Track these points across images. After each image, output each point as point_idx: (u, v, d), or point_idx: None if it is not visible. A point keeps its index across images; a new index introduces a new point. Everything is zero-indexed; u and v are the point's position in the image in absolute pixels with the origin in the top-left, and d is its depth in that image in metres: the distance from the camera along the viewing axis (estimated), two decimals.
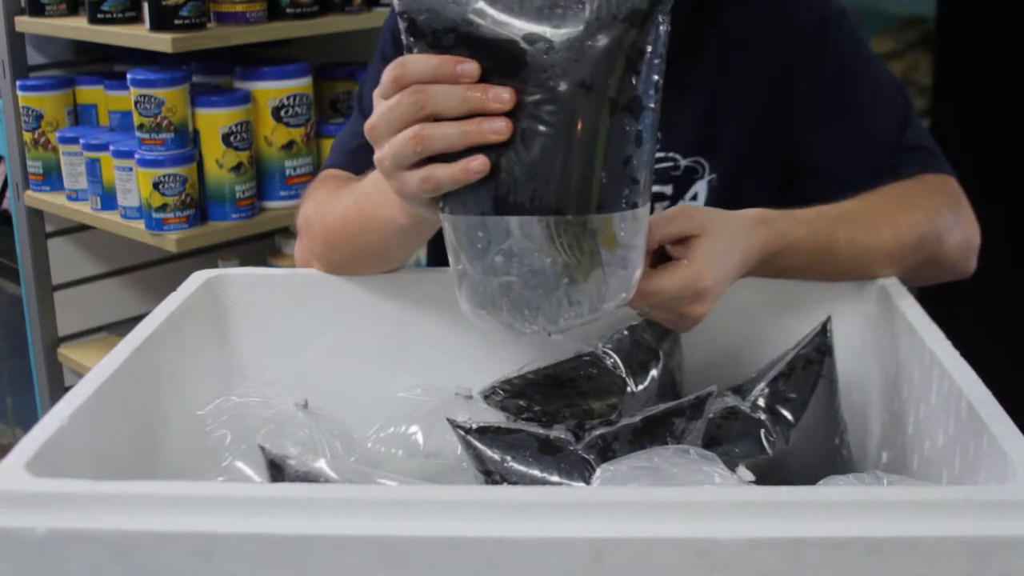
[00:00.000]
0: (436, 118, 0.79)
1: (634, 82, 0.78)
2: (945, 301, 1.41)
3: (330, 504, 0.66)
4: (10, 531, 0.66)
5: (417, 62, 0.79)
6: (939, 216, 1.09)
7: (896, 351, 0.96)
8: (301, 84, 2.12)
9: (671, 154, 1.16)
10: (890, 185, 1.10)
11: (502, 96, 0.77)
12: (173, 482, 0.72)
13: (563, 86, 0.76)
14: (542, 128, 0.77)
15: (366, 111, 1.19)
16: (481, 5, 0.78)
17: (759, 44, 1.15)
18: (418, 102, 0.79)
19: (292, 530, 0.65)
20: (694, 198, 1.17)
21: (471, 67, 0.78)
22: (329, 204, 1.09)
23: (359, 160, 1.16)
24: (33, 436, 0.75)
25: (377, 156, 0.84)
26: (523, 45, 0.77)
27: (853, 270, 1.03)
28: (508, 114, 0.77)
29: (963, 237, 1.12)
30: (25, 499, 0.67)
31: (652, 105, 0.79)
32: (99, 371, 0.85)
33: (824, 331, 0.95)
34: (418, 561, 0.65)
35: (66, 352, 2.33)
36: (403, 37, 0.81)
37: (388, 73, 0.81)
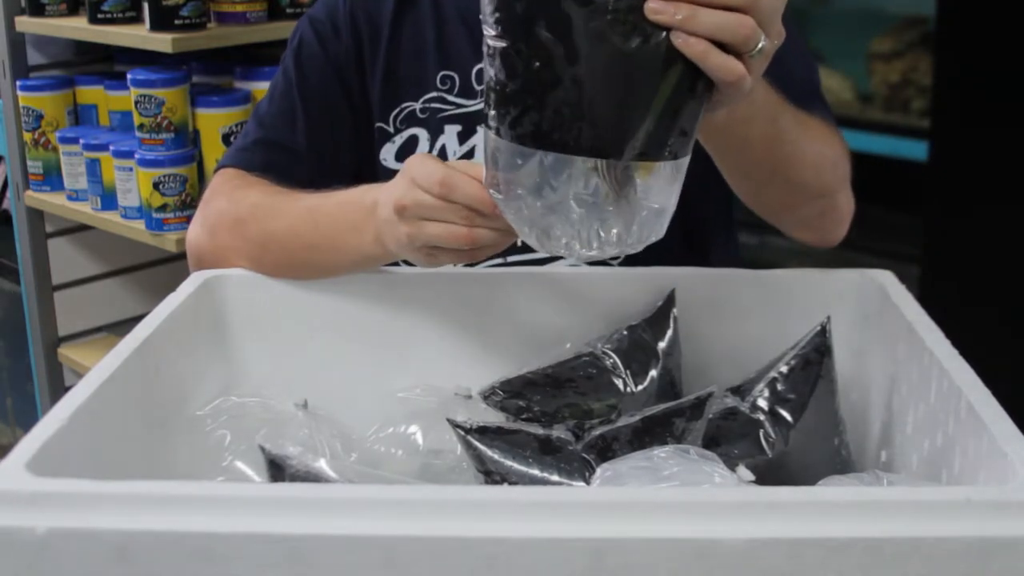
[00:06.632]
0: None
1: None
2: (945, 301, 1.41)
3: (330, 504, 0.66)
4: (10, 531, 0.66)
5: (467, 188, 0.88)
6: (844, 161, 1.10)
7: (895, 351, 0.96)
8: None
9: None
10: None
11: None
12: (173, 482, 0.72)
13: (623, 33, 0.76)
14: (596, 73, 0.76)
15: (261, 120, 1.21)
16: None
17: None
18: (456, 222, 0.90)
19: (292, 530, 0.65)
20: None
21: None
22: (269, 210, 1.09)
23: (253, 158, 1.18)
24: (33, 436, 0.75)
25: (401, 230, 0.93)
26: None
27: (785, 159, 1.01)
28: (565, 56, 0.76)
29: (850, 196, 1.12)
30: (25, 499, 0.67)
31: None
32: (99, 371, 0.85)
33: (823, 331, 0.95)
34: (418, 561, 0.65)
35: (66, 352, 2.33)
36: None
37: (439, 172, 0.90)
